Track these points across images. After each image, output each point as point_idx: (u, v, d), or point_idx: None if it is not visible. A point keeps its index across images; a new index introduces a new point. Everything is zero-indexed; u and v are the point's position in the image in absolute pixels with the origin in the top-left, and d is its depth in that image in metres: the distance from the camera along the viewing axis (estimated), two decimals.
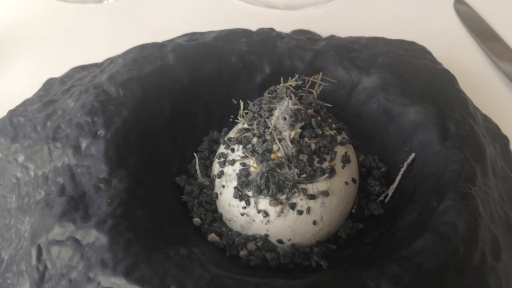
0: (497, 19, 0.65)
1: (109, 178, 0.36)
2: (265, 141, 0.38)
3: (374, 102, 0.45)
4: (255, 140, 0.39)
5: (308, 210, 0.37)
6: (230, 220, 0.39)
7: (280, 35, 0.50)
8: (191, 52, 0.46)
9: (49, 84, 0.51)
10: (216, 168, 0.41)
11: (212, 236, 0.38)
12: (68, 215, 0.34)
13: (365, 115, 0.46)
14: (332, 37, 0.54)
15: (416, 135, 0.42)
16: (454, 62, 0.53)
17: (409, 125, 0.43)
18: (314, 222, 0.37)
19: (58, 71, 0.53)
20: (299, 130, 0.38)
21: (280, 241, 0.38)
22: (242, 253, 0.37)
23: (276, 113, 0.39)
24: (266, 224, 0.37)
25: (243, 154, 0.39)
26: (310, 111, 0.41)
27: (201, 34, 0.51)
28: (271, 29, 0.52)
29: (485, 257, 0.33)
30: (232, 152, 0.40)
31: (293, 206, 0.37)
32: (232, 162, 0.39)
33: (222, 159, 0.40)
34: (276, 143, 0.38)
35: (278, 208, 0.37)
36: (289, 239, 0.37)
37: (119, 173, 0.37)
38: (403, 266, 0.31)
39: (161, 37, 0.51)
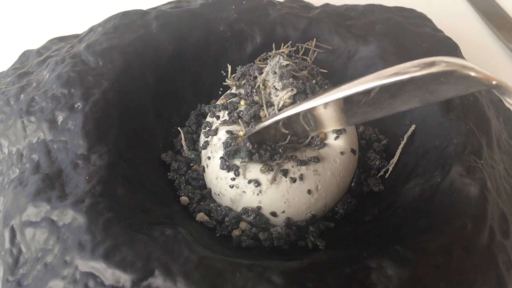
0: None
1: (87, 154, 0.33)
2: (252, 102, 0.36)
3: (373, 73, 0.42)
4: (242, 103, 0.36)
5: (301, 177, 0.34)
6: (219, 195, 0.37)
7: (271, 2, 0.47)
8: (176, 20, 0.43)
9: (25, 56, 0.47)
10: (201, 138, 0.39)
11: (201, 216, 0.36)
12: (43, 194, 0.31)
13: None
14: (326, 5, 0.51)
15: (418, 106, 0.39)
16: (453, 30, 0.50)
17: None
18: (309, 191, 0.35)
19: (37, 43, 0.49)
20: (292, 92, 0.35)
21: (273, 214, 0.35)
22: (235, 233, 0.35)
23: (266, 68, 0.36)
24: (258, 195, 0.35)
25: (228, 119, 0.36)
26: (305, 72, 0.38)
27: (187, 1, 0.48)
28: None
29: (494, 234, 0.31)
30: (217, 120, 0.38)
31: (285, 173, 0.34)
32: (216, 131, 0.37)
33: (207, 128, 0.38)
34: (264, 109, 0.35)
35: (271, 175, 0.34)
36: (283, 211, 0.35)
37: (99, 148, 0.34)
38: (407, 245, 0.29)
39: (146, 5, 0.47)
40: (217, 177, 0.36)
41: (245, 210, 0.35)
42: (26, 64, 0.45)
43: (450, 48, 0.43)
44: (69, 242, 0.29)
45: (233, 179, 0.35)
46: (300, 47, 0.42)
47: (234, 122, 0.36)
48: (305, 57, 0.41)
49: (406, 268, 0.27)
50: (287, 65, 0.36)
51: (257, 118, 0.35)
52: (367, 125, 0.42)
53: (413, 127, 0.39)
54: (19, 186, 0.33)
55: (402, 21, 0.46)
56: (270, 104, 0.35)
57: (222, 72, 0.44)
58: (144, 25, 0.42)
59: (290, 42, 0.42)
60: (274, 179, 0.34)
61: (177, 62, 0.42)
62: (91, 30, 0.44)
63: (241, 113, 0.36)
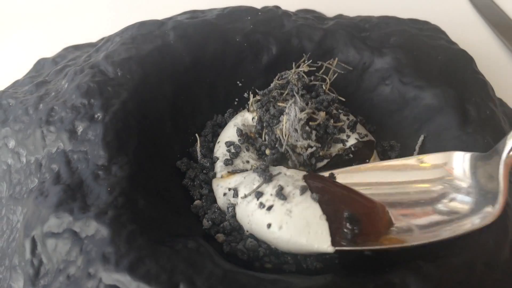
0: (506, 0, 0.63)
1: (108, 165, 0.33)
2: (276, 151, 0.38)
3: (388, 85, 0.43)
4: (268, 152, 0.38)
5: (270, 208, 0.33)
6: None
7: (286, 13, 0.47)
8: (193, 31, 0.43)
9: (41, 64, 0.47)
10: (219, 150, 0.39)
11: (205, 223, 0.36)
12: (65, 205, 0.31)
13: (378, 99, 0.44)
14: (340, 16, 0.51)
15: (434, 120, 0.40)
16: (466, 42, 0.50)
17: (425, 109, 0.40)
18: (268, 226, 0.32)
19: (50, 51, 0.50)
20: (312, 149, 0.36)
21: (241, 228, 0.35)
22: (220, 237, 0.34)
23: (285, 122, 0.37)
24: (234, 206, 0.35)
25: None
26: (322, 114, 0.38)
27: (202, 11, 0.48)
28: (277, 7, 0.49)
29: None
30: (246, 151, 0.39)
31: (259, 196, 0.34)
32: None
33: (234, 151, 0.39)
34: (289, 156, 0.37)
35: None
36: (247, 231, 0.34)
37: (119, 159, 0.34)
38: (430, 261, 0.29)
39: (159, 15, 0.48)
40: (217, 184, 0.37)
41: (230, 205, 0.35)
42: (42, 73, 0.45)
43: (466, 61, 0.43)
44: (93, 254, 0.29)
45: (229, 188, 0.36)
46: (319, 63, 0.42)
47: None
48: (324, 76, 0.41)
49: (429, 284, 0.28)
50: (305, 117, 0.37)
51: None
52: (381, 140, 0.42)
53: (422, 137, 0.40)
54: (40, 196, 0.33)
55: (417, 33, 0.46)
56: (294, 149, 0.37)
57: (238, 82, 0.44)
58: (162, 35, 0.42)
59: (308, 58, 0.42)
60: (245, 196, 0.34)
61: (194, 72, 0.42)
62: (108, 39, 0.44)
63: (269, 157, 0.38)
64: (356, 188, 0.34)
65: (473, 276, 0.29)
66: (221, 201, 0.36)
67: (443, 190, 0.33)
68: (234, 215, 0.35)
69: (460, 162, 0.34)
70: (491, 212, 0.30)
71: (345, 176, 0.36)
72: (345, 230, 0.31)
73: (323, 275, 0.29)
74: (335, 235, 0.31)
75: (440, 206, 0.33)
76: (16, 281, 0.32)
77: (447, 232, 0.30)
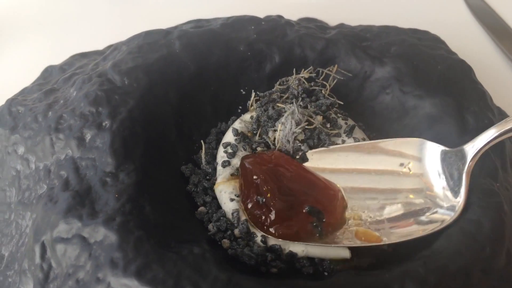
0: (507, 10, 0.64)
1: (116, 172, 0.34)
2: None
3: (388, 94, 0.44)
4: (259, 150, 0.39)
5: None
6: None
7: (289, 23, 0.48)
8: (198, 40, 0.44)
9: (48, 72, 0.48)
10: (220, 155, 0.40)
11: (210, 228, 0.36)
12: (74, 211, 0.32)
13: (378, 108, 0.44)
14: (342, 25, 0.52)
15: (433, 128, 0.40)
16: (464, 52, 0.51)
17: (425, 118, 0.41)
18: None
19: (57, 58, 0.51)
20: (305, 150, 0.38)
21: (253, 233, 0.35)
22: (226, 243, 0.35)
23: (279, 129, 0.38)
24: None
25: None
26: (320, 118, 0.39)
27: (207, 20, 0.49)
28: (280, 16, 0.50)
29: (510, 257, 0.31)
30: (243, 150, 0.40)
31: None
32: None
33: (231, 151, 0.39)
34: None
35: None
36: (262, 235, 0.35)
37: (126, 166, 0.35)
38: (428, 267, 0.30)
39: (164, 24, 0.49)
40: (220, 190, 0.38)
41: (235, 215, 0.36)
42: (49, 80, 0.46)
43: (464, 70, 0.44)
44: (101, 259, 0.30)
45: (237, 195, 0.37)
46: (320, 71, 0.43)
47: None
48: (324, 82, 0.42)
49: None
50: (299, 132, 0.39)
51: None
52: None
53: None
54: (49, 202, 0.34)
55: (417, 43, 0.47)
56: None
57: (242, 90, 0.45)
58: (167, 44, 0.43)
59: (311, 67, 0.43)
60: None
61: (198, 81, 0.43)
62: (115, 48, 0.45)
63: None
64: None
65: (470, 282, 0.30)
66: (228, 206, 0.37)
67: (411, 184, 0.37)
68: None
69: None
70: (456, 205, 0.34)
71: (320, 157, 0.39)
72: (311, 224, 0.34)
73: (323, 280, 0.30)
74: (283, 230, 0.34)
75: (404, 198, 0.37)
76: (26, 285, 0.33)
77: (418, 231, 0.34)
